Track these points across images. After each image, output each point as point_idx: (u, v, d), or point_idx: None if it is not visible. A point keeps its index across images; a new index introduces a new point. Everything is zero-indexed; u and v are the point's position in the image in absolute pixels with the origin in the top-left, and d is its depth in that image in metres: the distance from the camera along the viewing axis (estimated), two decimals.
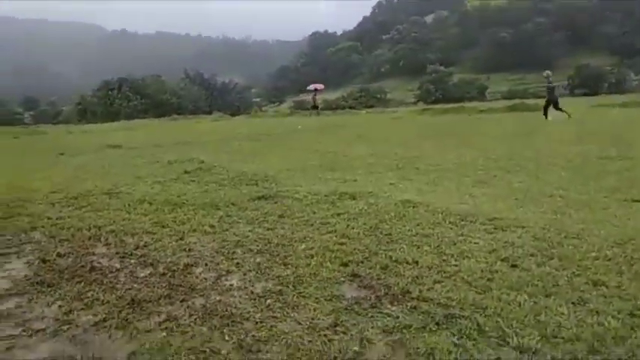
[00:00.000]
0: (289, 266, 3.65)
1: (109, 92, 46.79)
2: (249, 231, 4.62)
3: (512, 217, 4.78)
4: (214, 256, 3.97)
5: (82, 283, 3.42)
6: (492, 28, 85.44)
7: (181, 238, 4.46)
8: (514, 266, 3.50)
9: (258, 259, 3.83)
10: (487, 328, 2.59)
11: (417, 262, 3.62)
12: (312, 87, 32.37)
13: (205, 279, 3.46)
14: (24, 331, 2.79)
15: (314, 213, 5.22)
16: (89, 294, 3.23)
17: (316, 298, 3.06)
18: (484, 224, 4.57)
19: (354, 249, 3.96)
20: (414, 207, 5.29)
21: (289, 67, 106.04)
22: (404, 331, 2.64)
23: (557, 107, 17.99)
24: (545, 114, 18.19)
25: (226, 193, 6.35)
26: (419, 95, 55.00)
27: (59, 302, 3.14)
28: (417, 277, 3.35)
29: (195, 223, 4.94)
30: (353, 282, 3.34)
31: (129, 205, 5.83)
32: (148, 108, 43.65)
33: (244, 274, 3.54)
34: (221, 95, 59.62)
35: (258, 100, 77.69)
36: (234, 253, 4.01)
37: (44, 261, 3.92)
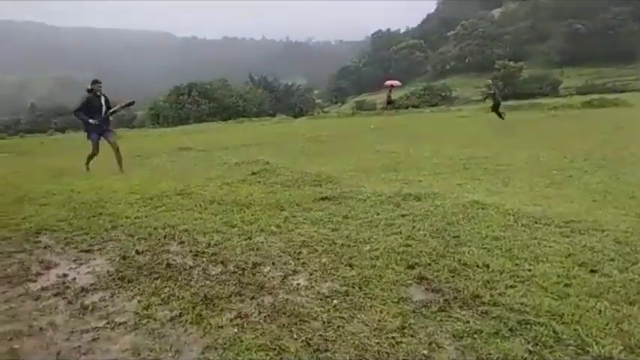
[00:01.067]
0: (355, 267, 3.66)
1: (179, 97, 49.04)
2: (314, 231, 4.67)
3: (591, 220, 4.50)
4: (281, 255, 4.05)
5: (159, 280, 3.62)
6: (566, 20, 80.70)
7: (249, 238, 4.59)
8: (593, 271, 3.30)
9: (323, 260, 3.87)
10: (564, 336, 2.46)
11: (487, 266, 3.50)
12: (388, 83, 31.54)
13: (273, 278, 3.54)
14: (107, 323, 2.99)
15: (378, 214, 5.19)
16: (166, 290, 3.41)
17: (383, 300, 3.05)
18: (559, 227, 4.34)
19: (421, 251, 3.90)
20: (483, 208, 5.11)
21: (350, 67, 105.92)
22: (475, 336, 2.57)
23: (497, 110, 20.26)
24: (499, 115, 20.21)
25: (291, 194, 6.46)
26: (486, 93, 53.38)
27: (138, 297, 3.34)
28: (487, 281, 3.25)
29: (262, 223, 5.07)
30: (420, 285, 3.29)
31: (200, 205, 6.08)
32: (215, 111, 45.30)
33: (310, 274, 3.58)
34: (284, 97, 60.73)
35: (319, 101, 78.29)
36: (300, 253, 4.08)
37: (124, 258, 4.18)
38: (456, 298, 3.03)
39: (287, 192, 6.64)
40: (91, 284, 3.65)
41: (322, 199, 6.05)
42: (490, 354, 2.38)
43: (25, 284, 3.73)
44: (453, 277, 3.36)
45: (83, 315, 3.12)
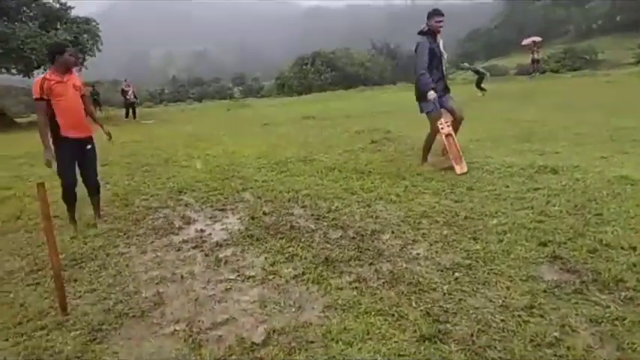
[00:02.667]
0: (479, 241, 3.49)
1: (304, 67, 50.28)
2: (436, 202, 4.54)
3: None
4: (400, 224, 4.01)
5: (284, 240, 3.81)
6: None
7: (368, 205, 4.61)
8: None
9: (445, 231, 3.75)
10: None
11: (634, 248, 3.11)
12: (528, 41, 28.56)
13: (392, 246, 3.52)
14: (238, 276, 3.24)
15: (507, 187, 4.86)
16: (289, 249, 3.59)
17: (510, 277, 2.87)
18: None
19: (555, 228, 3.58)
20: (632, 184, 4.51)
21: (481, 29, 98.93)
22: (615, 322, 2.32)
23: (479, 85, 18.80)
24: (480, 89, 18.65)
25: (412, 163, 6.32)
26: None
27: (265, 254, 3.56)
28: (634, 264, 2.89)
29: (381, 191, 5.05)
30: (553, 264, 3.03)
31: (321, 171, 6.24)
32: (337, 80, 45.69)
33: (430, 245, 3.50)
34: (407, 65, 59.05)
35: (447, 66, 74.70)
36: (419, 223, 3.99)
37: (253, 218, 4.48)
38: (595, 280, 2.74)
39: (407, 161, 6.51)
40: (224, 240, 3.98)
41: (445, 169, 5.82)
42: (634, 343, 2.13)
43: (169, 236, 4.20)
44: (592, 257, 3.04)
45: (217, 267, 3.42)
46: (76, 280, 3.30)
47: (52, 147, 4.28)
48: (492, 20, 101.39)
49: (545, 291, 2.68)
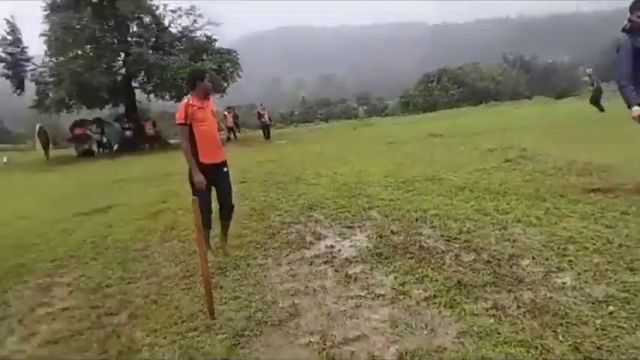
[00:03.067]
0: (637, 272, 3.09)
1: (429, 84, 49.56)
2: (583, 227, 4.12)
3: None
4: (542, 250, 3.71)
5: (413, 260, 3.76)
6: None
7: (504, 228, 4.35)
8: None
9: (595, 260, 3.39)
10: None
11: None
12: None
13: (533, 273, 3.27)
14: (368, 294, 3.27)
15: None
16: (419, 270, 3.53)
17: None
18: None
19: None
20: None
21: None
22: None
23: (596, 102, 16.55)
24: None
25: (553, 184, 5.84)
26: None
27: (394, 274, 3.55)
28: None
29: (519, 213, 4.73)
30: None
31: (450, 191, 6.06)
32: (465, 96, 44.20)
33: (579, 274, 3.18)
34: (543, 77, 54.98)
35: (587, 79, 68.01)
36: (565, 249, 3.66)
37: (381, 236, 4.49)
38: None
39: (548, 181, 6.02)
40: (353, 257, 4.05)
41: (593, 190, 5.28)
42: None
43: (302, 250, 4.39)
44: None
45: (348, 283, 3.49)
46: (221, 287, 3.61)
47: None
48: None
49: None
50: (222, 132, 4.95)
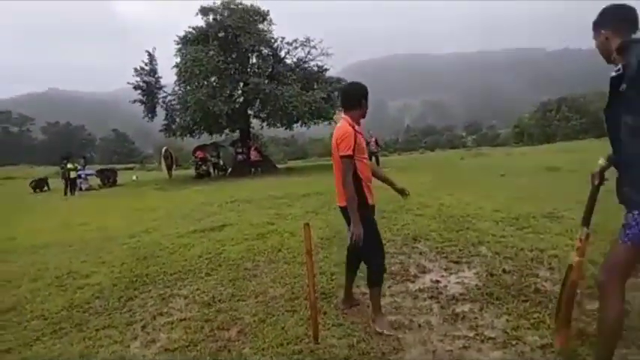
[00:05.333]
0: None
1: (547, 113, 46.48)
2: None
3: None
4: None
5: (528, 303, 3.52)
6: None
7: None
8: None
9: None
10: None
11: None
12: None
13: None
14: (477, 335, 3.12)
15: None
16: (535, 315, 3.29)
17: None
18: None
19: None
20: None
21: None
22: None
23: None
24: None
25: None
26: None
27: (506, 316, 3.34)
28: None
29: None
30: None
31: (571, 230, 5.58)
32: (587, 127, 40.70)
33: None
34: None
35: None
36: None
37: (491, 275, 4.27)
38: None
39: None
40: (461, 294, 3.89)
41: None
42: None
43: (405, 283, 4.32)
44: None
45: (454, 321, 3.36)
46: (325, 313, 3.67)
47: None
48: None
49: None
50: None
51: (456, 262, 4.80)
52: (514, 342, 2.93)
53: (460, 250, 5.20)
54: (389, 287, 4.23)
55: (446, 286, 4.12)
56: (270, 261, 5.49)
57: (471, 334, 3.12)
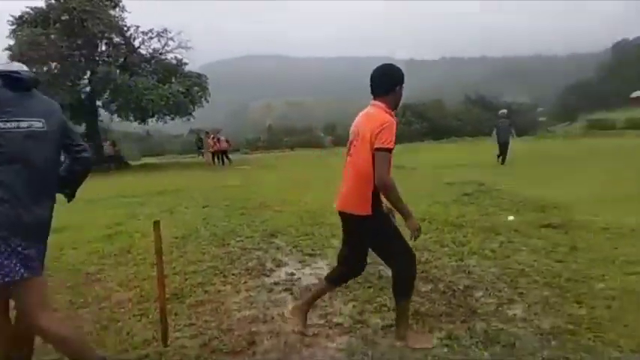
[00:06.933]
0: (584, 306, 3.23)
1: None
2: (535, 261, 4.29)
3: None
4: (495, 282, 3.83)
5: (372, 289, 3.80)
6: None
7: (461, 260, 4.47)
8: None
9: (545, 293, 3.52)
10: None
11: None
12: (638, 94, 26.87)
13: (486, 304, 3.37)
14: (326, 322, 3.27)
15: (615, 249, 4.49)
16: (378, 300, 3.57)
17: (619, 347, 2.63)
18: None
19: None
20: None
21: (583, 82, 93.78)
22: None
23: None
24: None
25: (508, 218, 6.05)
26: None
27: (353, 302, 3.57)
28: None
29: (474, 246, 4.88)
30: None
31: None
32: (427, 131, 45.52)
33: (529, 306, 3.30)
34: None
35: (544, 119, 71.34)
36: (516, 282, 3.79)
37: None
38: None
39: (503, 216, 6.24)
40: (313, 284, 4.03)
41: (545, 226, 5.51)
42: None
43: (261, 277, 4.35)
44: None
45: None
46: (176, 314, 3.52)
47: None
48: (597, 72, 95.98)
49: None
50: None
51: (311, 255, 4.99)
52: (359, 326, 3.14)
53: (315, 244, 5.42)
54: (244, 283, 4.22)
55: (300, 278, 4.25)
56: (117, 264, 5.10)
57: (321, 322, 3.26)
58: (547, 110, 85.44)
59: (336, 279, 3.18)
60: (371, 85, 2.94)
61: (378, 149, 2.70)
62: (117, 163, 24.70)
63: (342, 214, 2.96)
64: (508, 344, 2.73)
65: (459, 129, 45.77)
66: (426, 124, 47.97)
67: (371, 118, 2.83)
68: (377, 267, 4.34)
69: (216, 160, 22.72)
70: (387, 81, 2.92)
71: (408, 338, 2.84)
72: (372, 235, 2.90)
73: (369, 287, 3.85)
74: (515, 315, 3.15)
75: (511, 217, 2.77)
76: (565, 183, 9.13)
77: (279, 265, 4.70)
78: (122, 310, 3.74)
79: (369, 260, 4.33)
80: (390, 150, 2.70)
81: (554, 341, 2.74)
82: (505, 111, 16.55)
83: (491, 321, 3.08)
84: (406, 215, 2.82)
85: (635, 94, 27.05)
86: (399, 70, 2.99)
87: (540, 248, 4.65)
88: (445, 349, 2.72)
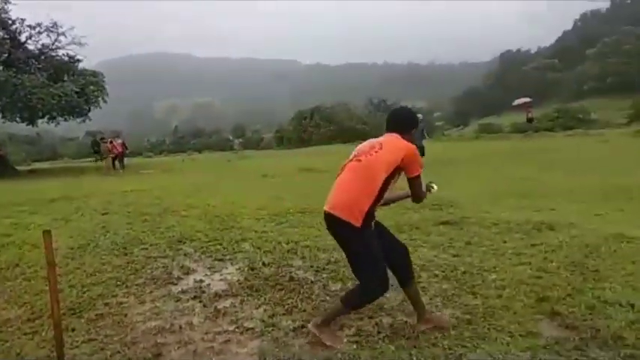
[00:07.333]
0: (478, 296, 3.50)
1: (303, 121, 51.38)
2: (434, 256, 4.57)
3: None
4: None
5: (283, 291, 3.81)
6: None
7: None
8: None
9: (444, 286, 3.77)
10: None
11: (632, 305, 3.12)
12: (520, 101, 29.35)
13: (392, 299, 3.52)
14: (237, 328, 3.22)
15: (504, 242, 4.91)
16: (289, 301, 3.58)
17: (509, 332, 2.87)
18: None
19: (554, 284, 3.61)
20: (628, 241, 4.59)
21: (475, 88, 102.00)
22: None
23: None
24: None
25: (410, 217, 6.38)
26: (632, 115, 47.22)
27: (265, 306, 3.55)
28: (632, 321, 2.90)
29: None
30: (552, 320, 3.04)
31: (320, 223, 6.24)
32: (335, 135, 46.63)
33: (430, 299, 3.51)
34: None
35: (440, 123, 76.48)
36: (418, 277, 3.98)
37: (252, 269, 4.48)
38: (594, 337, 2.74)
39: (406, 214, 6.57)
40: (223, 290, 3.96)
41: (442, 223, 5.89)
42: None
43: (168, 286, 4.18)
44: (590, 314, 3.06)
45: (216, 318, 3.40)
46: (73, 330, 3.26)
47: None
48: (485, 80, 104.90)
49: (545, 347, 2.68)
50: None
51: (221, 260, 4.88)
52: (270, 329, 3.13)
53: (224, 248, 5.31)
54: (150, 292, 4.03)
55: (209, 285, 4.14)
56: (3, 279, 4.61)
57: (232, 328, 3.21)
58: (443, 115, 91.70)
59: (400, 279, 3.09)
60: (392, 122, 3.08)
61: (412, 178, 2.93)
62: (1, 168, 22.27)
63: (330, 216, 2.88)
64: (412, 336, 2.88)
65: (365, 133, 47.51)
66: (335, 127, 49.16)
67: (400, 141, 2.94)
68: (288, 269, 4.38)
69: (116, 164, 21.40)
70: (408, 122, 3.10)
71: (324, 333, 2.86)
72: (353, 246, 2.88)
73: (280, 289, 3.86)
74: None
75: (434, 187, 2.92)
76: (460, 183, 9.83)
77: (187, 272, 4.54)
78: (11, 329, 3.39)
79: (281, 263, 4.33)
80: (419, 177, 2.97)
81: (453, 331, 2.93)
82: (421, 116, 17.83)
83: (397, 315, 3.24)
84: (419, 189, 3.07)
85: (516, 102, 29.88)
86: (416, 116, 3.25)
87: (439, 244, 4.97)
88: (354, 345, 2.81)
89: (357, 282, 2.96)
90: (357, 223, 2.77)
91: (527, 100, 29.69)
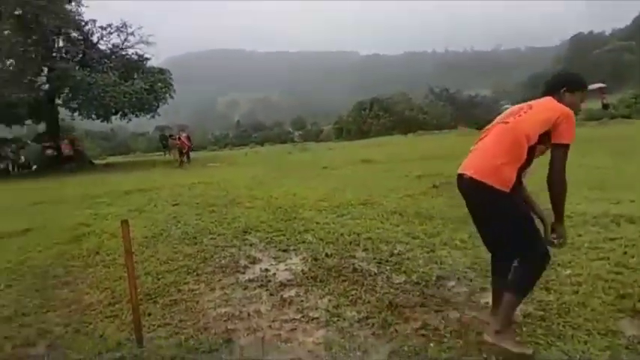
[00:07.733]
0: (552, 292, 3.35)
1: (362, 112, 51.06)
2: None
3: None
4: (466, 271, 3.93)
5: (347, 282, 3.83)
6: None
7: (432, 250, 4.56)
8: None
9: None
10: None
11: None
12: (594, 86, 27.53)
13: (459, 293, 3.45)
14: (303, 317, 3.28)
15: (579, 236, 4.64)
16: (353, 292, 3.60)
17: (587, 330, 2.73)
18: None
19: (635, 281, 3.38)
20: None
21: (542, 74, 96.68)
22: None
23: None
24: None
25: None
26: None
27: (329, 296, 3.59)
28: None
29: (445, 236, 4.98)
30: (634, 318, 2.85)
31: (382, 215, 6.25)
32: (395, 125, 45.93)
33: None
34: (466, 109, 58.43)
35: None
36: (487, 271, 3.86)
37: (315, 259, 4.53)
38: None
39: None
40: (288, 280, 4.05)
41: None
42: None
43: (236, 275, 4.33)
44: None
45: (282, 307, 3.49)
46: (150, 315, 3.46)
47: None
48: (554, 65, 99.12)
49: (627, 347, 2.52)
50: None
51: (285, 251, 4.98)
52: (335, 319, 3.17)
53: (288, 239, 5.41)
54: (219, 280, 4.19)
55: (274, 274, 4.24)
56: (86, 265, 4.97)
57: (298, 317, 3.27)
58: (509, 103, 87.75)
59: (496, 270, 2.87)
60: (544, 86, 2.89)
61: (558, 145, 2.54)
62: (80, 162, 23.88)
63: (472, 181, 2.62)
64: (481, 332, 2.80)
65: (425, 122, 46.47)
66: (394, 118, 48.42)
67: (553, 102, 2.66)
68: (351, 260, 4.40)
69: (185, 158, 22.29)
70: (557, 81, 2.84)
71: (507, 340, 2.53)
72: (505, 214, 2.60)
73: (344, 281, 3.88)
74: (487, 303, 3.23)
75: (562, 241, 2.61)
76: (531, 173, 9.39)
77: (253, 261, 4.68)
78: (93, 312, 3.65)
79: (343, 255, 4.36)
80: (568, 146, 2.55)
81: (525, 328, 2.83)
82: (508, 106, 17.61)
83: (465, 309, 3.16)
84: (560, 218, 2.69)
85: (590, 87, 28.00)
86: (569, 75, 2.97)
87: None
88: (422, 339, 2.78)
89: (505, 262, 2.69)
90: (506, 188, 2.51)
91: (602, 85, 27.83)
